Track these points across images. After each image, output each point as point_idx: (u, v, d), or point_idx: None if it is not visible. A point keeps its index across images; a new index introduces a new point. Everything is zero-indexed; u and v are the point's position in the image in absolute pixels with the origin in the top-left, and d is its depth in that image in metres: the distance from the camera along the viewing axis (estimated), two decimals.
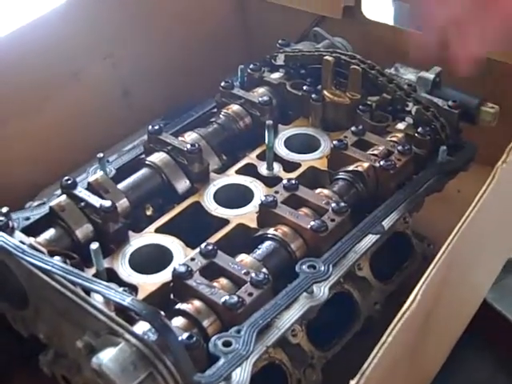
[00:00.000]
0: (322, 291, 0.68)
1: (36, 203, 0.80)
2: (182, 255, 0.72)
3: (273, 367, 0.69)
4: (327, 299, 0.70)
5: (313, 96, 0.88)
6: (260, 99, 0.87)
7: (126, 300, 0.58)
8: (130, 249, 0.73)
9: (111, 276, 0.70)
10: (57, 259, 0.64)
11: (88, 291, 0.63)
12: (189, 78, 1.10)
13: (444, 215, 0.91)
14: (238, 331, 0.60)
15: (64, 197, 0.75)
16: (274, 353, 0.68)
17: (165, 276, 0.69)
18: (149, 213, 0.81)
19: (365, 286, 0.78)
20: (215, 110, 0.93)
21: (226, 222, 0.76)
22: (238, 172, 0.83)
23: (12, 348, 0.81)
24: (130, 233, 0.75)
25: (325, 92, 0.89)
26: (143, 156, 0.84)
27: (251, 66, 0.95)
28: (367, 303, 0.79)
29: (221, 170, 0.84)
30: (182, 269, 0.65)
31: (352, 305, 0.78)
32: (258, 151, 0.86)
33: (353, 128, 0.83)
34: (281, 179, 0.80)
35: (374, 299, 0.80)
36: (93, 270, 0.69)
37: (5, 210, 0.72)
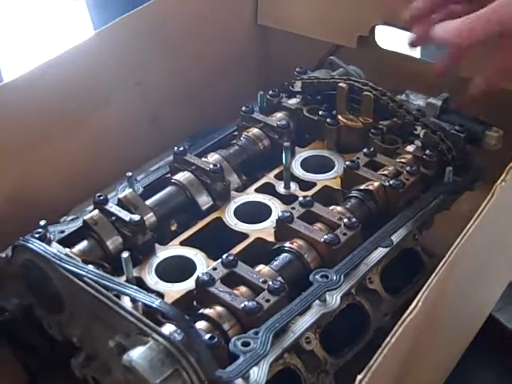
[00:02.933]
0: (334, 299, 0.73)
1: (70, 218, 0.86)
2: (204, 266, 0.77)
3: (288, 372, 0.74)
4: (340, 309, 0.76)
5: (328, 120, 0.94)
6: (278, 123, 0.93)
7: (155, 302, 0.64)
8: (156, 259, 0.79)
9: (139, 284, 0.75)
10: (91, 267, 0.71)
11: (119, 296, 0.70)
12: (211, 102, 1.16)
13: (456, 234, 0.97)
14: (256, 333, 0.66)
15: (96, 211, 0.81)
16: (290, 358, 0.73)
17: (188, 284, 0.75)
18: (173, 228, 0.87)
19: (375, 298, 0.83)
20: (236, 133, 0.99)
21: (245, 236, 0.82)
22: (257, 190, 0.89)
23: (44, 352, 0.87)
24: (157, 245, 0.81)
25: (339, 117, 0.95)
26: (169, 175, 0.90)
27: (270, 92, 1.01)
28: (378, 315, 0.84)
29: (241, 189, 0.90)
30: (205, 277, 0.71)
31: (363, 316, 0.83)
32: (275, 171, 0.92)
33: (364, 150, 0.89)
34: (297, 197, 0.85)
35: (384, 311, 0.84)
36: (123, 278, 0.74)
37: (42, 222, 0.79)
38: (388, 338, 0.57)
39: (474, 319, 0.87)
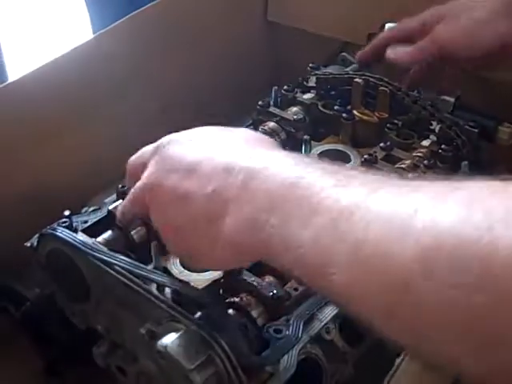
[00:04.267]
0: None
1: (91, 208, 0.87)
2: None
3: (310, 361, 0.75)
4: None
5: (343, 115, 0.96)
6: (295, 117, 0.95)
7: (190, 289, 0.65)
8: None
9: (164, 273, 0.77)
10: (122, 256, 0.71)
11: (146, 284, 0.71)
12: (221, 98, 1.17)
13: None
14: (287, 320, 0.67)
15: (120, 201, 0.81)
16: (311, 347, 0.75)
17: (214, 274, 0.76)
18: None
19: None
20: (251, 126, 1.00)
21: None
22: None
23: (62, 342, 0.88)
24: None
25: (354, 111, 0.97)
26: None
27: (285, 87, 1.02)
28: None
29: None
30: None
31: None
32: None
33: (381, 144, 0.90)
34: None
35: None
36: (150, 267, 0.75)
37: (67, 212, 0.79)
38: None
39: None
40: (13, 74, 1.73)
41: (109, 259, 0.70)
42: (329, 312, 0.72)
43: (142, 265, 0.70)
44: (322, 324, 0.71)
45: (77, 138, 1.01)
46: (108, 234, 0.80)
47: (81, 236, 0.76)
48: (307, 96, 1.02)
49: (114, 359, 0.77)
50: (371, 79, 0.95)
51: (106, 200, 0.90)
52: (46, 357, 0.90)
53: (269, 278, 0.73)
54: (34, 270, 0.84)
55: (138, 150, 1.06)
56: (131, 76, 1.07)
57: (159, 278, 0.67)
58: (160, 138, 1.10)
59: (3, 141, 0.92)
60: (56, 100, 0.97)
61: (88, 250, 0.71)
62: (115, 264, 0.70)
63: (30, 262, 0.83)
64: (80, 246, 0.72)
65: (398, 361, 0.55)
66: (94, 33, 1.55)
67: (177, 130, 1.09)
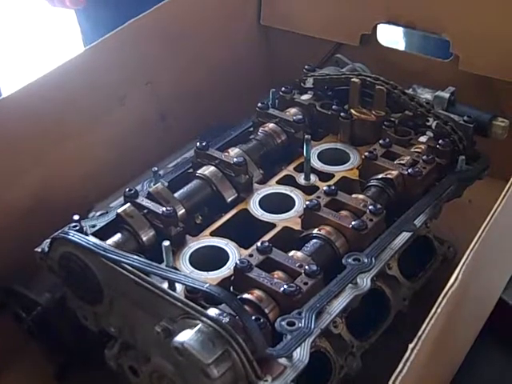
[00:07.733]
0: (365, 282, 0.77)
1: (98, 213, 0.88)
2: (236, 254, 0.80)
3: (318, 355, 0.77)
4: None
5: (341, 114, 0.98)
6: (294, 118, 0.97)
7: (205, 286, 0.67)
8: (189, 250, 0.81)
9: None
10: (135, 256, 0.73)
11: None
12: (219, 102, 1.19)
13: (456, 223, 1.01)
14: (299, 313, 0.69)
15: (128, 205, 0.83)
16: (320, 341, 0.77)
17: (223, 272, 0.78)
18: (198, 221, 0.89)
19: (394, 283, 0.87)
20: (251, 129, 1.01)
21: (272, 225, 0.85)
22: (279, 182, 0.92)
23: (72, 346, 0.89)
24: (188, 236, 0.83)
25: (352, 110, 0.99)
26: (191, 170, 0.93)
27: (283, 89, 1.04)
28: (397, 299, 0.88)
29: (261, 182, 0.93)
30: (243, 263, 0.74)
31: (384, 301, 0.87)
32: (294, 164, 0.95)
33: (381, 141, 0.93)
34: (318, 188, 0.89)
35: (403, 295, 0.88)
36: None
37: (76, 217, 0.81)
38: (434, 310, 0.60)
39: (489, 302, 0.91)
40: (6, 86, 1.74)
41: (122, 259, 0.72)
42: (337, 306, 0.74)
43: (155, 263, 0.71)
44: (332, 317, 0.73)
45: (77, 147, 1.02)
46: (117, 236, 0.81)
47: (92, 238, 0.77)
48: (305, 97, 1.04)
49: (126, 359, 0.79)
50: (368, 78, 0.97)
51: (112, 204, 0.92)
52: (57, 361, 0.91)
53: (278, 274, 0.75)
54: (43, 276, 0.85)
55: (138, 157, 1.09)
56: (129, 84, 1.08)
57: (173, 276, 0.69)
58: (160, 144, 1.13)
59: (6, 151, 0.93)
60: (56, 110, 0.98)
61: (101, 252, 0.73)
62: (129, 264, 0.72)
63: (38, 268, 0.84)
64: (93, 247, 0.73)
65: (411, 346, 0.57)
66: (85, 44, 1.56)
67: (177, 136, 1.11)
